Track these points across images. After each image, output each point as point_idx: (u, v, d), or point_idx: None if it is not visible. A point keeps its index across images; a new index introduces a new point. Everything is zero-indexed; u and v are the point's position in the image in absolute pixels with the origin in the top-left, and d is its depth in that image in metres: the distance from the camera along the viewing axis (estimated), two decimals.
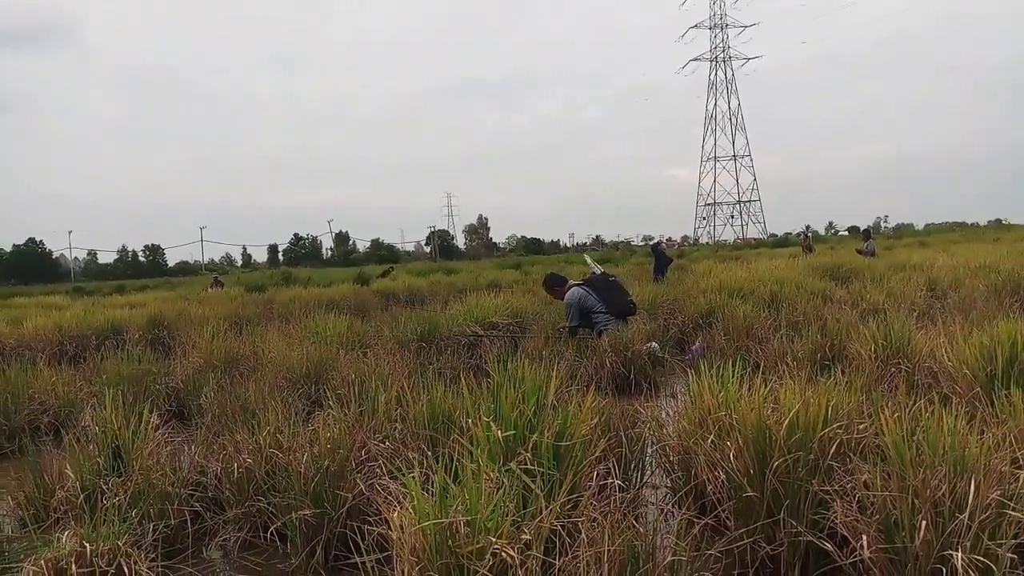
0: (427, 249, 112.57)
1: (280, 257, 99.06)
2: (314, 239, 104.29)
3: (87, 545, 2.83)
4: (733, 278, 12.43)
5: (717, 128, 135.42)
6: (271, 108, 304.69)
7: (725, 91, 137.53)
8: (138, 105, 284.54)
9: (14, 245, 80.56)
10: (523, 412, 3.08)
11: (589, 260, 10.19)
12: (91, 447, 3.90)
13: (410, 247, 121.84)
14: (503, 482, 2.53)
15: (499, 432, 2.92)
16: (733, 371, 3.66)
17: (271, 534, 3.43)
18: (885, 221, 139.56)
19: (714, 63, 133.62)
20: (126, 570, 2.88)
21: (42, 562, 2.80)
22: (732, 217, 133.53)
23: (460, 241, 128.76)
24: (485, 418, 3.03)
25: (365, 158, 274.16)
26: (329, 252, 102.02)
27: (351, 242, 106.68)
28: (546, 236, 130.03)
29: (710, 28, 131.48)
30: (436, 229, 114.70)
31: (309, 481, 3.34)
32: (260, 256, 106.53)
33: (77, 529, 3.01)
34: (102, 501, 3.49)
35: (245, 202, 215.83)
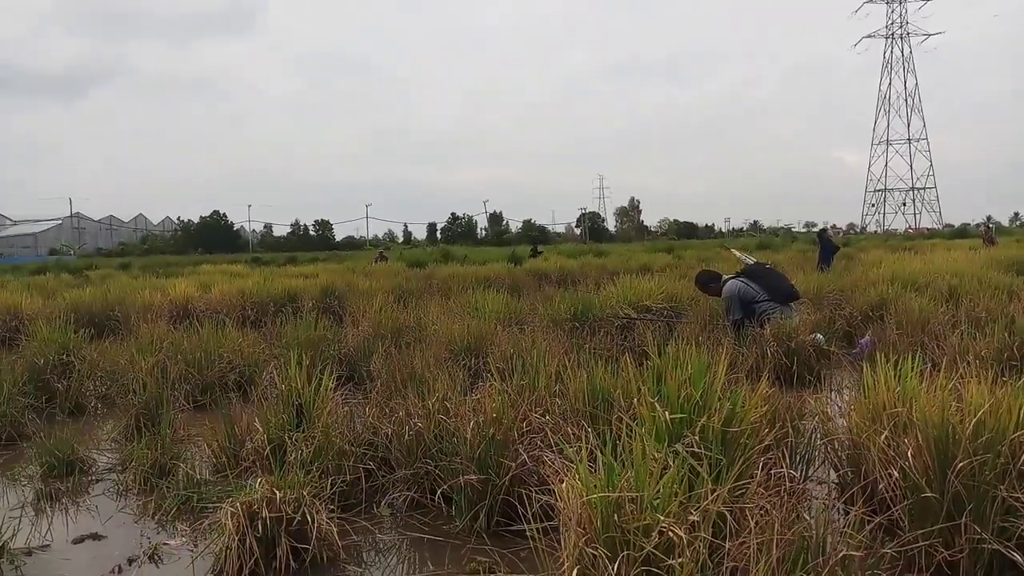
0: (577, 231, 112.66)
1: (438, 235, 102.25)
2: (470, 218, 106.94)
3: (276, 492, 3.09)
4: (906, 269, 11.67)
5: (891, 109, 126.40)
6: (435, 89, 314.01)
7: (901, 69, 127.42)
8: (312, 86, 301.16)
9: (200, 216, 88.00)
10: (690, 395, 3.06)
11: (738, 252, 9.85)
12: (277, 404, 4.23)
13: (560, 228, 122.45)
14: (669, 463, 2.54)
15: (665, 414, 2.92)
16: (911, 365, 3.47)
17: (438, 497, 3.60)
18: None
19: (890, 39, 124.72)
20: (309, 518, 3.13)
21: (238, 504, 3.09)
22: (904, 205, 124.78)
23: (610, 223, 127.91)
24: (650, 399, 3.03)
25: (523, 139, 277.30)
26: (484, 231, 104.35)
27: (504, 222, 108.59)
28: (700, 220, 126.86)
29: (887, 2, 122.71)
30: (587, 211, 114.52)
31: (475, 448, 3.47)
32: (419, 233, 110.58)
33: (267, 477, 3.29)
34: (287, 454, 3.80)
35: (408, 181, 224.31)
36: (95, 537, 3.56)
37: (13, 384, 5.64)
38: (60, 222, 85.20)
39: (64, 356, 6.66)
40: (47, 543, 3.48)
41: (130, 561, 3.27)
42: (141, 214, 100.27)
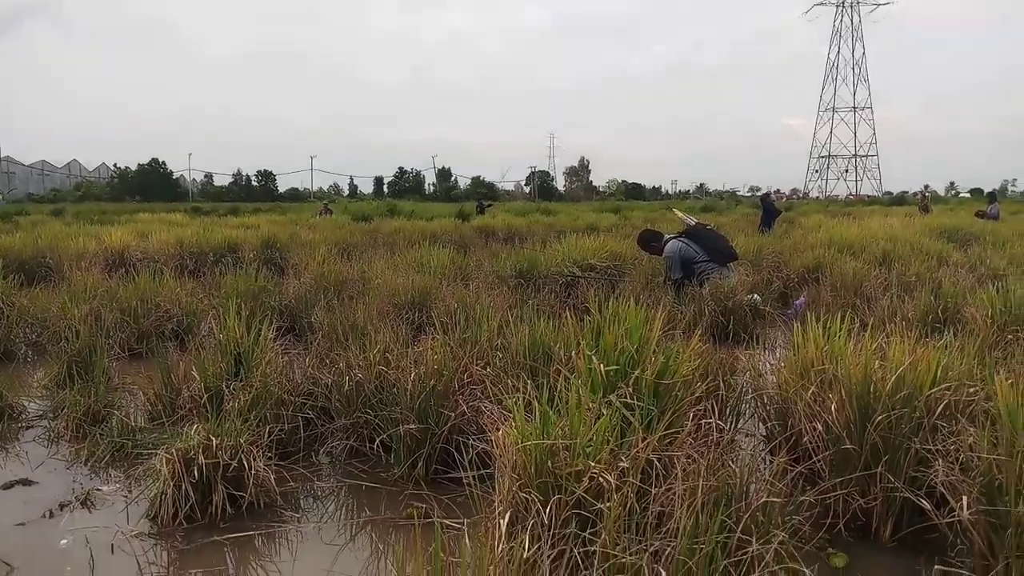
0: (526, 189, 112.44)
1: (385, 189, 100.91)
2: (417, 173, 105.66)
3: (213, 439, 3.09)
4: (844, 234, 12.00)
5: (839, 77, 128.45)
6: (388, 44, 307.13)
7: (850, 38, 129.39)
8: (260, 35, 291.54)
9: (139, 164, 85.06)
10: (625, 349, 3.13)
11: (680, 213, 10.01)
12: (215, 353, 4.19)
13: (510, 186, 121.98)
14: (603, 412, 2.61)
15: (601, 366, 2.98)
16: (840, 325, 3.60)
17: (377, 445, 3.64)
18: (1013, 185, 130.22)
19: (840, 8, 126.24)
20: (246, 465, 3.14)
21: (173, 451, 3.08)
22: (846, 172, 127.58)
23: (560, 183, 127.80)
24: (588, 352, 3.10)
25: (475, 94, 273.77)
26: (432, 187, 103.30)
27: (453, 178, 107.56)
28: (648, 182, 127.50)
29: None
30: (537, 170, 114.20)
31: (415, 398, 3.51)
32: (366, 187, 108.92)
33: (204, 425, 3.27)
34: (224, 402, 3.79)
35: (355, 135, 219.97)
36: (25, 483, 3.51)
37: None
38: None
39: None
40: None
41: (62, 506, 3.23)
42: (75, 159, 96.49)
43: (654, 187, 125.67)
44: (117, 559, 2.80)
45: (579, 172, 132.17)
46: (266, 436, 3.51)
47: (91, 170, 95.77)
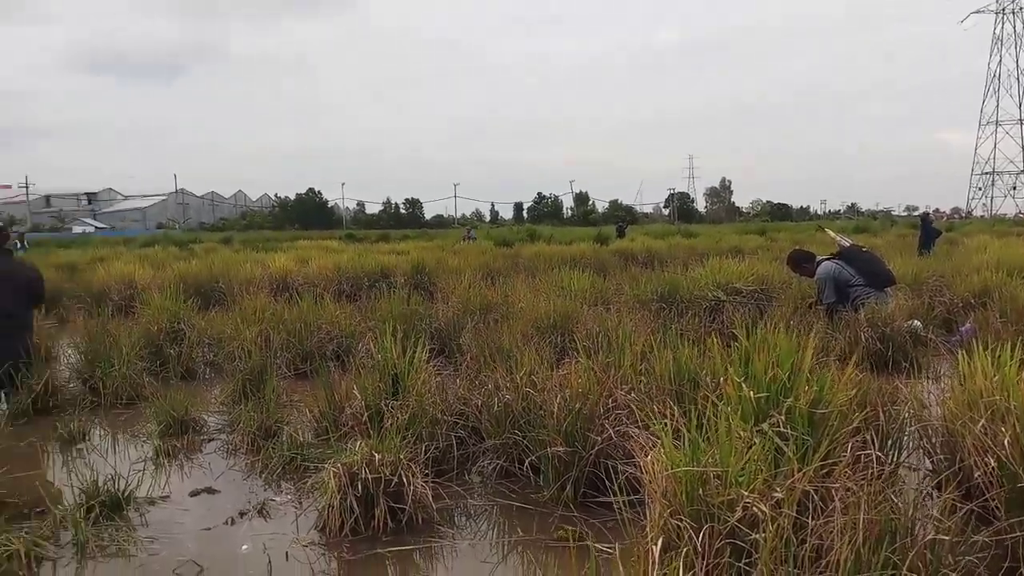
0: (665, 212, 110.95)
1: (524, 214, 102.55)
2: (555, 198, 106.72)
3: (375, 455, 3.28)
4: (1014, 255, 11.10)
5: (1000, 88, 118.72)
6: (520, 69, 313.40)
7: (1013, 46, 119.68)
8: (400, 67, 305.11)
9: (296, 194, 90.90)
10: (776, 377, 3.08)
11: (832, 232, 9.58)
12: (374, 373, 4.44)
13: (648, 208, 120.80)
14: (754, 441, 2.58)
15: (751, 393, 2.95)
16: (1012, 354, 3.38)
17: (526, 466, 3.74)
18: None
19: (1000, 15, 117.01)
20: (405, 480, 3.31)
21: (339, 465, 3.30)
22: (1014, 188, 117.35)
23: (700, 204, 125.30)
24: (736, 379, 3.07)
25: (607, 118, 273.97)
26: (569, 211, 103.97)
27: (590, 202, 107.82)
28: (794, 202, 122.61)
29: None
30: (675, 191, 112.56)
31: (561, 421, 3.58)
32: (506, 213, 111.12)
33: (366, 441, 3.48)
34: (384, 420, 4.00)
35: (495, 161, 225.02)
36: (209, 491, 3.85)
37: (131, 349, 6.06)
38: (165, 198, 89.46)
39: (176, 324, 7.10)
40: (167, 495, 3.79)
41: (241, 514, 3.53)
42: (241, 190, 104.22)
43: (801, 207, 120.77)
44: (291, 566, 3.03)
45: (720, 193, 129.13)
46: (423, 454, 3.68)
47: (255, 200, 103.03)
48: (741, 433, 2.63)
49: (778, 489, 2.35)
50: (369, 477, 3.20)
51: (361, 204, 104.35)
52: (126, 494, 3.55)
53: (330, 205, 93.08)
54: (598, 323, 6.28)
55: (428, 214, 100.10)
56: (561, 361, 4.74)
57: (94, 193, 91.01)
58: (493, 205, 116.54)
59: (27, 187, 79.23)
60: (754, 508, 2.27)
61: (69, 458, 4.48)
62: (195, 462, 4.39)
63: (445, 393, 4.37)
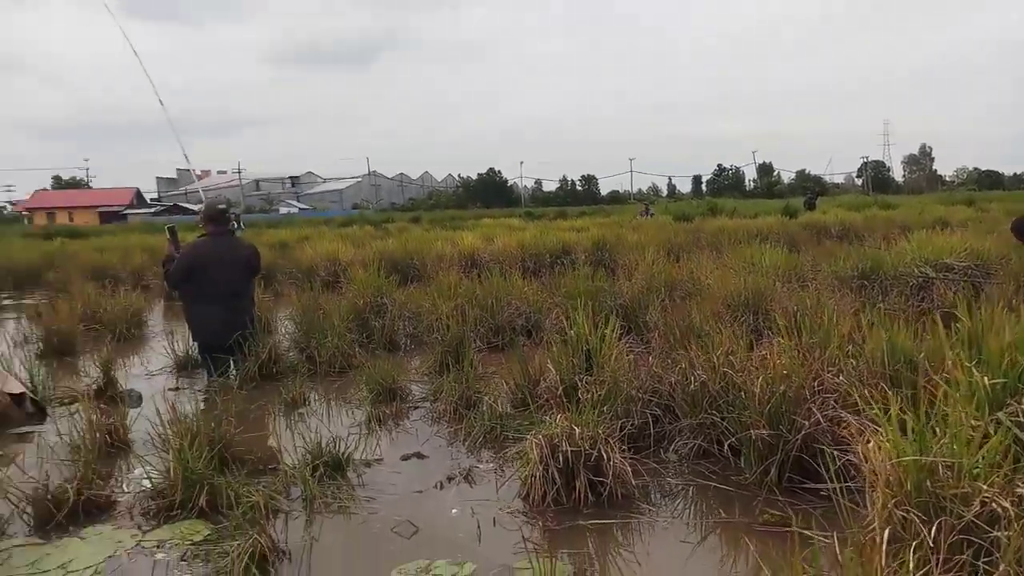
0: (858, 182, 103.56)
1: (703, 187, 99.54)
2: (737, 170, 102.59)
3: (575, 428, 3.35)
4: None
5: None
6: (695, 38, 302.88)
7: None
8: (576, 45, 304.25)
9: (478, 173, 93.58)
10: (1015, 361, 2.82)
11: None
12: (566, 348, 4.51)
13: (839, 179, 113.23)
14: (989, 432, 2.38)
15: (984, 379, 2.72)
16: None
17: (726, 447, 3.67)
18: None
19: None
20: (604, 455, 3.35)
21: (541, 436, 3.39)
22: None
23: (897, 173, 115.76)
24: (966, 363, 2.84)
25: (792, 82, 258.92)
26: (752, 183, 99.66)
27: (775, 173, 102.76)
28: (1006, 169, 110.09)
29: None
30: (869, 160, 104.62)
31: (764, 403, 3.48)
32: (684, 186, 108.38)
33: (565, 414, 3.55)
34: (578, 395, 4.07)
35: (671, 134, 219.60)
36: (419, 456, 4.10)
37: (341, 321, 6.54)
38: (360, 180, 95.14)
39: (379, 298, 7.57)
40: (380, 458, 4.07)
41: (448, 479, 3.73)
42: (427, 171, 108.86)
43: (1015, 174, 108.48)
44: (498, 531, 3.17)
45: (920, 160, 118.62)
46: (618, 430, 3.71)
47: (440, 180, 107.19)
48: (974, 422, 2.44)
49: (1021, 484, 2.16)
50: (569, 450, 3.28)
51: (538, 182, 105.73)
52: (345, 456, 3.85)
53: (509, 184, 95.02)
54: (795, 301, 6.01)
55: (603, 190, 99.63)
56: (758, 341, 4.59)
57: (297, 177, 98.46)
58: (670, 179, 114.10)
59: (239, 172, 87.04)
60: (994, 504, 2.10)
61: (292, 421, 4.92)
62: (402, 428, 4.67)
63: (638, 370, 4.36)
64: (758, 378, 3.59)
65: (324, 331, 6.30)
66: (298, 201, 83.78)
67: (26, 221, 66.81)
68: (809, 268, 8.74)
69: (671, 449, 3.97)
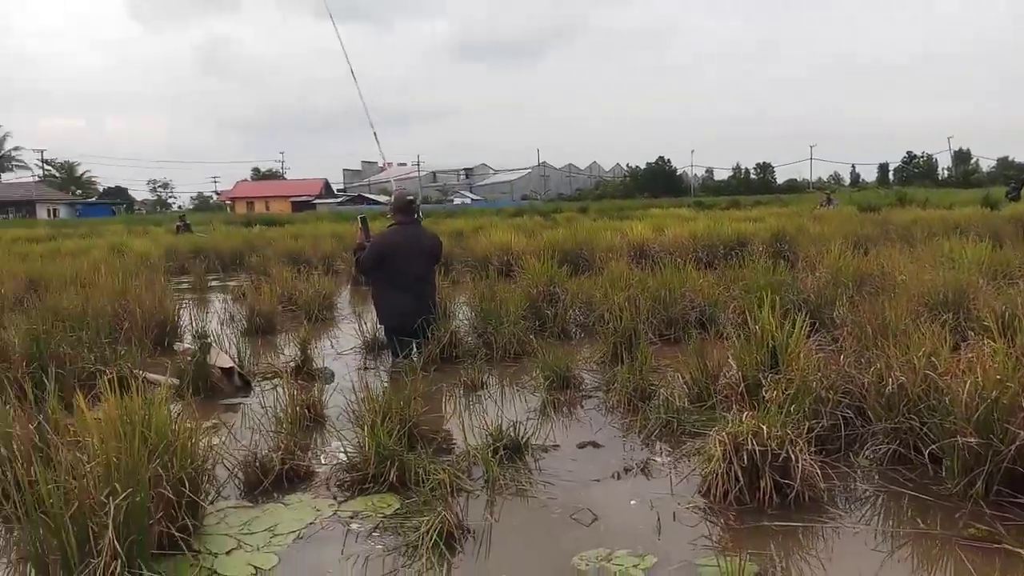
0: None
1: (890, 176, 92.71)
2: (929, 157, 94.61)
3: (763, 427, 3.24)
4: None
5: None
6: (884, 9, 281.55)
7: None
8: (748, 24, 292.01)
9: (647, 163, 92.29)
10: None
11: None
12: (749, 344, 4.37)
13: None
14: None
15: None
16: None
17: (925, 455, 3.42)
18: None
19: None
20: (792, 456, 3.22)
21: (724, 433, 3.31)
22: None
23: None
24: None
25: (996, 59, 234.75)
26: (946, 172, 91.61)
27: (973, 161, 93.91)
28: None
29: None
30: None
31: (972, 409, 3.21)
32: (868, 175, 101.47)
33: (751, 412, 3.44)
34: (761, 392, 3.93)
35: (854, 118, 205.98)
36: (594, 445, 4.12)
37: (516, 309, 6.68)
38: (529, 171, 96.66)
39: (551, 288, 7.66)
40: (556, 444, 4.13)
41: (625, 470, 3.72)
42: (595, 161, 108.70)
43: None
44: (677, 526, 3.13)
45: None
46: (805, 430, 3.55)
47: (607, 170, 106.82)
48: None
49: None
50: (756, 449, 3.18)
51: (709, 170, 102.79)
52: (524, 440, 3.94)
53: (679, 173, 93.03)
54: (1003, 301, 5.50)
55: (779, 178, 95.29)
56: (962, 342, 4.24)
57: (471, 168, 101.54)
58: (854, 167, 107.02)
59: (418, 164, 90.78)
60: None
61: (471, 403, 5.09)
62: (576, 416, 4.71)
63: (828, 369, 4.15)
64: (965, 382, 3.31)
65: (500, 318, 6.46)
66: (471, 192, 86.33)
67: (228, 209, 73.28)
68: (1018, 265, 7.96)
69: (863, 453, 3.75)
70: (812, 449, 3.42)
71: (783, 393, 3.72)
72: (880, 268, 7.93)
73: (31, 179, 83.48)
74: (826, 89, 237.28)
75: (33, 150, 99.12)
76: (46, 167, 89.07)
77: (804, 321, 4.29)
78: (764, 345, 4.24)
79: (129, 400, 3.01)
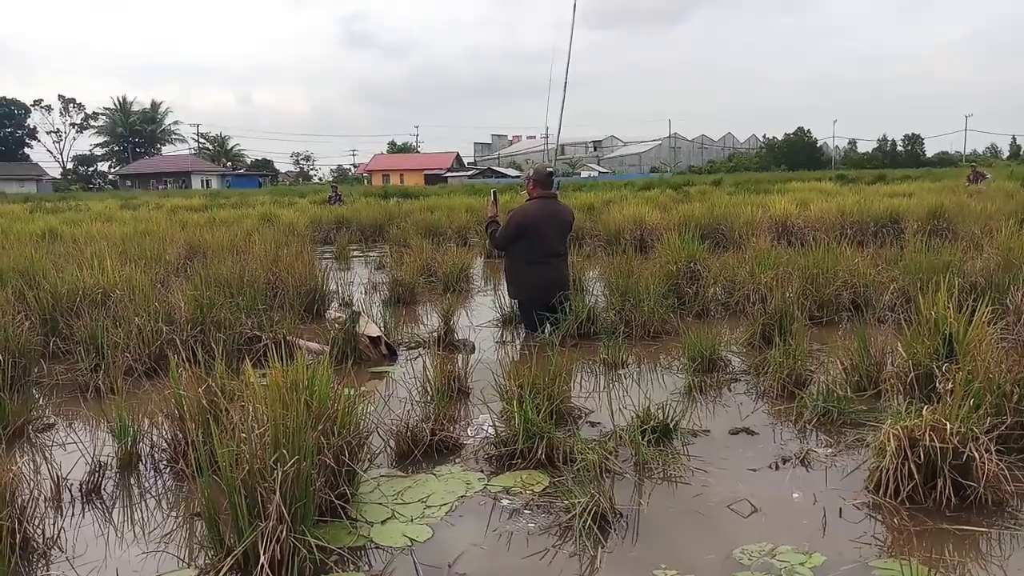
0: None
1: None
2: None
3: (946, 423, 2.97)
4: None
5: None
6: None
7: None
8: None
9: (785, 134, 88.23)
10: None
11: None
12: (920, 330, 4.05)
13: None
14: None
15: None
16: None
17: None
18: None
19: None
20: (976, 455, 2.95)
21: (899, 427, 3.07)
22: None
23: None
24: None
25: None
26: None
27: None
28: None
29: None
30: None
31: None
32: None
33: (931, 407, 3.17)
34: (933, 383, 3.63)
35: (1019, 83, 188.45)
36: (748, 432, 3.94)
37: (655, 286, 6.51)
38: (660, 142, 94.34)
39: (691, 265, 7.43)
40: (707, 430, 3.98)
41: (784, 460, 3.53)
42: (729, 133, 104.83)
43: None
44: (844, 523, 2.94)
45: None
46: (985, 427, 3.25)
47: (742, 141, 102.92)
48: None
49: None
50: (936, 446, 2.93)
51: (852, 142, 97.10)
52: (673, 423, 3.82)
53: (819, 144, 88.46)
54: None
55: (930, 151, 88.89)
56: None
57: (599, 141, 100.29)
58: (1014, 139, 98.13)
59: (547, 137, 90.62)
60: None
61: (611, 381, 5.00)
62: (722, 400, 4.53)
63: (1011, 361, 3.79)
64: None
65: (639, 295, 6.31)
66: (599, 165, 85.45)
67: (366, 181, 75.82)
68: None
69: None
70: (996, 448, 3.13)
71: (962, 386, 3.42)
72: None
73: (187, 152, 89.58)
74: (985, 51, 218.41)
75: (189, 124, 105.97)
76: (201, 140, 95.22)
77: (986, 307, 3.93)
78: (939, 332, 3.92)
79: (293, 367, 3.11)
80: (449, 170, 78.68)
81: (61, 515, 3.16)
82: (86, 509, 3.25)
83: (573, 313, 6.08)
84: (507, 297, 6.86)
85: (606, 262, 8.39)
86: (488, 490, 3.32)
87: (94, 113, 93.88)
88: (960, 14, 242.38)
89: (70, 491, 3.33)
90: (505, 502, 3.21)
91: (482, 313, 7.40)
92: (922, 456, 2.97)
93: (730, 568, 2.63)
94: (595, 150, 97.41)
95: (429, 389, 4.31)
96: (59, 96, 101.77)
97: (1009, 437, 3.41)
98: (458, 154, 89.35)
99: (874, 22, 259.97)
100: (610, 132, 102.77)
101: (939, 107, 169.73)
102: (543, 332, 6.15)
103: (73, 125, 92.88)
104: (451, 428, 3.87)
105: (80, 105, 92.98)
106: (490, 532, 2.96)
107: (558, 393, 3.95)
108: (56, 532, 2.92)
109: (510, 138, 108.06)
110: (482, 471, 3.53)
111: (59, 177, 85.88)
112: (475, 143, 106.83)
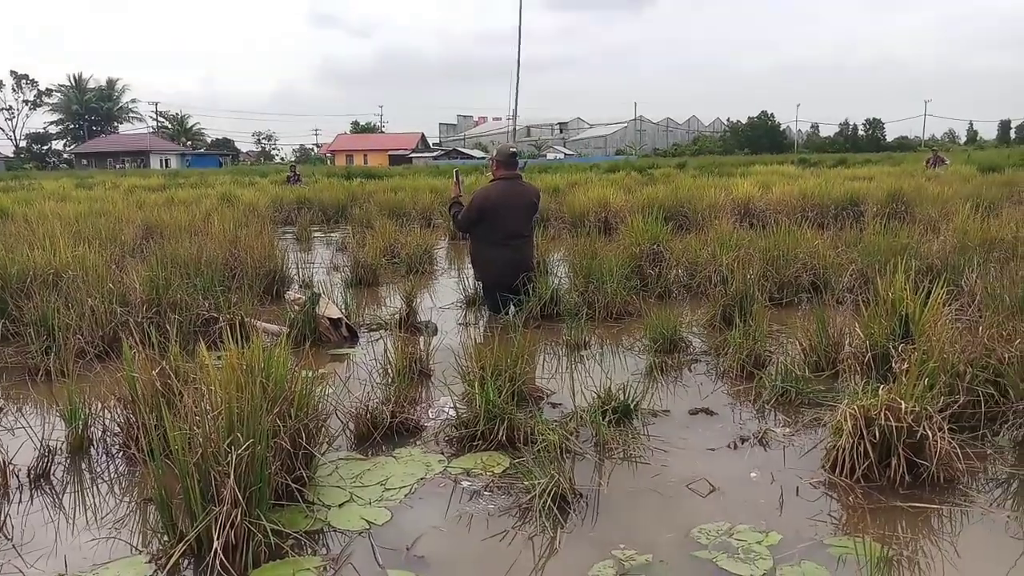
0: None
1: (1011, 134, 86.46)
2: None
3: (900, 402, 3.01)
4: None
5: None
6: None
7: None
8: None
9: (748, 117, 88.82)
10: None
11: None
12: (877, 311, 4.10)
13: None
14: None
15: None
16: None
17: None
18: None
19: None
20: (928, 433, 3.00)
21: (855, 407, 3.10)
22: None
23: None
24: None
25: None
26: None
27: None
28: None
29: None
30: None
31: None
32: (987, 133, 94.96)
33: (887, 386, 3.20)
34: (889, 364, 3.68)
35: (975, 75, 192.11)
36: (707, 412, 3.96)
37: (618, 268, 6.51)
38: (625, 125, 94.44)
39: (654, 246, 7.45)
40: (667, 410, 3.99)
41: (742, 440, 3.56)
42: (694, 116, 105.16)
43: None
44: (800, 501, 2.97)
45: None
46: (939, 406, 3.31)
47: (707, 124, 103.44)
48: None
49: None
50: (892, 425, 2.97)
51: (815, 126, 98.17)
52: (634, 403, 3.83)
53: (782, 128, 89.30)
54: None
55: (890, 135, 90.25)
56: None
57: (565, 123, 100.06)
58: (971, 124, 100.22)
59: (513, 119, 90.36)
60: None
61: (573, 362, 5.00)
62: (683, 381, 4.56)
63: (964, 341, 3.86)
64: None
65: (602, 277, 6.32)
66: (564, 147, 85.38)
67: (329, 162, 74.91)
68: None
69: (1004, 431, 3.48)
70: (947, 426, 3.18)
71: (917, 366, 3.48)
72: (1014, 234, 7.39)
73: (145, 130, 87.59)
74: (942, 39, 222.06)
75: (148, 103, 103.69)
76: (159, 119, 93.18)
77: (941, 288, 4.00)
78: (896, 313, 3.97)
79: (249, 349, 3.05)
80: (414, 151, 78.02)
81: (8, 501, 3.07)
82: (35, 495, 3.17)
83: (536, 295, 6.07)
84: (471, 279, 6.82)
85: (570, 244, 8.40)
86: (448, 472, 3.30)
87: (47, 90, 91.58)
88: (923, 1, 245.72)
89: (17, 477, 3.23)
90: (465, 484, 3.19)
91: (445, 295, 7.36)
92: (877, 435, 3.01)
93: (688, 547, 2.65)
94: (561, 132, 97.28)
95: (390, 371, 4.26)
96: (11, 72, 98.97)
97: (961, 416, 3.49)
98: (423, 135, 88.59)
99: (839, 8, 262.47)
100: (576, 114, 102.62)
101: (900, 92, 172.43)
102: (506, 314, 6.12)
103: (26, 102, 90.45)
104: (412, 410, 3.84)
105: (33, 81, 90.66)
106: (450, 514, 2.94)
107: (520, 374, 3.93)
108: (2, 519, 2.84)
109: (476, 119, 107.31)
110: (442, 453, 3.51)
111: (11, 156, 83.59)
112: (440, 124, 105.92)
